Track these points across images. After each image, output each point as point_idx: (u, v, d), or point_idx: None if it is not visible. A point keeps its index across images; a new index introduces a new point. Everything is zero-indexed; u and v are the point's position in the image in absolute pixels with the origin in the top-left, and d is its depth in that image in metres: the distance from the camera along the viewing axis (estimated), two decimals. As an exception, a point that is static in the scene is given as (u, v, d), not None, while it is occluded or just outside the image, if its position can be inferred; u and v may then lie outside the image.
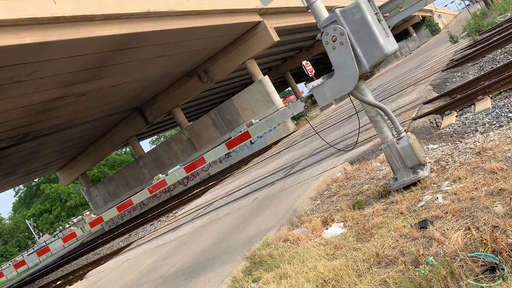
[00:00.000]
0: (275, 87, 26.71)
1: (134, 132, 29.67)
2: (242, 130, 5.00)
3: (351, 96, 4.29)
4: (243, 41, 24.64)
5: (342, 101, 4.34)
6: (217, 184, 16.97)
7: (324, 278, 3.23)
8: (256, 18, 23.31)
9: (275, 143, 23.07)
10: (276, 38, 24.28)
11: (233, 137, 5.16)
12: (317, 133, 5.23)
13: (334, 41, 4.02)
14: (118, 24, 15.08)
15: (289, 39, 31.98)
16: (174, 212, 16.75)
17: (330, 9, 4.18)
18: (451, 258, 2.76)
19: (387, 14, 4.35)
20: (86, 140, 30.39)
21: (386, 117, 4.36)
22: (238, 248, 5.15)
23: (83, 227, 7.06)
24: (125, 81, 21.67)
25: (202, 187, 19.75)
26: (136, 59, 19.10)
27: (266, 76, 25.52)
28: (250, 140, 26.82)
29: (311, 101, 4.36)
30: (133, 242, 13.24)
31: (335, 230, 4.20)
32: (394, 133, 4.36)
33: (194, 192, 19.35)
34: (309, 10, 4.36)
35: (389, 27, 4.27)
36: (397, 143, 4.25)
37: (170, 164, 28.50)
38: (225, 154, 27.60)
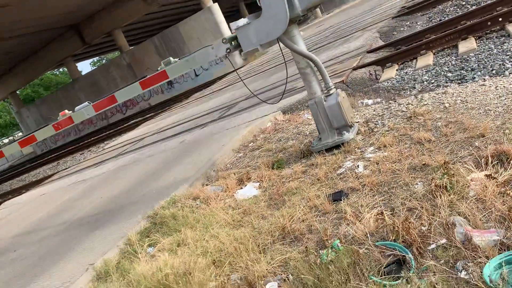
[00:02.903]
0: (227, 16, 25.33)
1: (70, 52, 27.42)
2: (159, 69, 4.36)
3: (280, 42, 3.74)
4: (194, -38, 22.71)
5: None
6: (153, 117, 16.20)
7: (222, 250, 2.88)
8: None
9: (221, 77, 22.25)
10: (229, -38, 22.57)
11: (148, 76, 4.51)
12: (243, 81, 4.69)
13: (263, -26, 3.38)
14: None
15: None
16: (106, 142, 15.94)
17: None
18: (359, 244, 2.47)
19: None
20: (15, 57, 27.73)
21: (316, 70, 3.89)
22: (148, 200, 4.71)
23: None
24: (57, -7, 19.50)
25: (139, 118, 18.88)
26: (69, -31, 17.05)
27: (216, 3, 23.95)
28: (195, 72, 25.71)
29: (235, 44, 3.77)
30: (56, 173, 12.48)
31: (249, 190, 3.83)
32: (324, 88, 3.93)
33: (130, 123, 18.47)
34: None
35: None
36: (325, 101, 3.83)
37: (108, 90, 26.92)
38: (168, 84, 26.45)
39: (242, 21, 3.68)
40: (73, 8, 22.74)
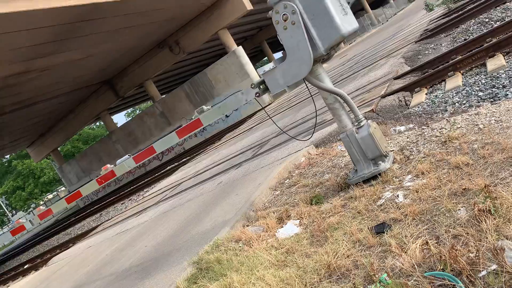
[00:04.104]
0: (251, 57, 26.02)
1: (105, 106, 28.67)
2: (193, 117, 4.55)
3: (306, 82, 3.86)
4: (215, 10, 23.64)
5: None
6: (189, 161, 16.55)
7: (270, 292, 2.90)
8: (227, -15, 22.35)
9: (250, 116, 22.63)
10: (249, 6, 23.38)
11: (183, 125, 4.70)
12: (272, 120, 4.80)
13: (285, 21, 3.55)
14: (77, -6, 14.12)
15: (265, 7, 31.00)
16: (145, 190, 16.33)
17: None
18: (406, 276, 2.44)
19: (347, -12, 3.88)
20: (55, 116, 29.27)
21: (344, 102, 3.96)
22: (192, 245, 4.80)
23: (32, 220, 6.61)
24: (90, 54, 20.63)
25: (175, 164, 19.31)
26: (100, 31, 18.09)
27: (240, 47, 24.72)
28: (226, 113, 26.23)
29: (263, 87, 3.92)
30: (100, 225, 12.82)
31: (290, 229, 3.85)
32: (354, 121, 3.98)
33: (167, 169, 18.90)
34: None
35: (348, 3, 3.81)
36: (357, 133, 3.88)
37: (144, 139, 27.81)
38: (201, 129, 27.08)
39: (268, 66, 3.83)
40: (106, 65, 23.98)
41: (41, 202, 44.09)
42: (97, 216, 17.64)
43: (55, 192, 46.49)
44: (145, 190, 16.43)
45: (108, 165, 5.36)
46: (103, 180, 5.37)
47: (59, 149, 35.80)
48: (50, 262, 10.34)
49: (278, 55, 63.08)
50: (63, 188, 47.31)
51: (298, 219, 3.96)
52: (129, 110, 68.27)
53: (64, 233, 19.33)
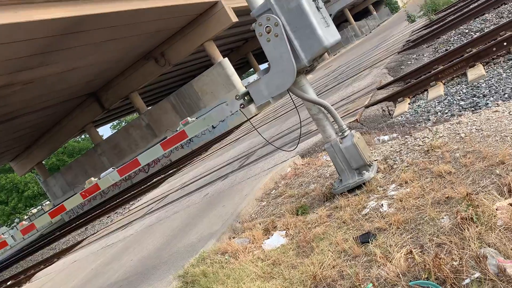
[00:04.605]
0: (237, 68, 26.13)
1: (91, 118, 28.42)
2: (178, 129, 4.53)
3: (290, 93, 3.89)
4: (201, 22, 23.73)
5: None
6: (175, 173, 16.44)
7: (256, 305, 2.88)
8: (212, -2, 22.47)
9: (237, 127, 22.63)
10: (234, 19, 23.52)
11: (168, 137, 4.68)
12: (257, 131, 4.81)
13: (268, 33, 3.58)
14: (61, 7, 14.05)
15: (250, 19, 31.21)
16: (131, 203, 16.14)
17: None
18: (391, 286, 2.45)
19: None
20: (39, 129, 28.91)
21: (327, 113, 3.99)
22: (178, 258, 4.75)
23: (15, 235, 6.44)
24: (76, 67, 20.49)
25: (162, 176, 19.16)
26: (86, 43, 18.00)
27: (226, 58, 24.80)
28: (212, 125, 26.19)
29: (248, 98, 3.93)
30: (85, 238, 12.62)
31: (276, 240, 3.84)
32: (338, 131, 4.01)
33: (153, 181, 18.74)
34: (242, -3, 3.88)
35: (330, 15, 3.86)
36: (341, 143, 3.90)
37: (130, 151, 27.58)
38: (187, 140, 26.99)
39: (252, 78, 3.86)
40: (92, 77, 23.83)
41: (25, 217, 43.25)
42: (83, 230, 17.36)
43: (40, 206, 45.64)
44: (131, 203, 16.24)
45: (92, 178, 5.30)
46: (87, 194, 5.30)
47: (43, 162, 35.28)
48: (34, 278, 10.13)
49: (264, 66, 63.25)
50: (48, 202, 46.53)
51: (284, 230, 3.96)
52: (115, 123, 67.76)
53: (49, 248, 18.94)
